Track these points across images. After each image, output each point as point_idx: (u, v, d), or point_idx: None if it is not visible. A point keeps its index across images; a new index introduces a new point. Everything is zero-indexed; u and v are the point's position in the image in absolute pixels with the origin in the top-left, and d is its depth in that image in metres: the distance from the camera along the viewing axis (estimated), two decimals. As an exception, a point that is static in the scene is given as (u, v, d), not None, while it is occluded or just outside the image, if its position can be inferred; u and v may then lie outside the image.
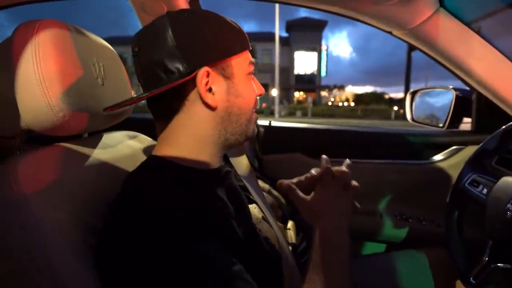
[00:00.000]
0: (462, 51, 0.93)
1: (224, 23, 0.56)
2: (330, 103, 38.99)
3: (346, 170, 0.65)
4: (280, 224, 0.76)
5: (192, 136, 0.56)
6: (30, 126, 0.55)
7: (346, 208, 0.61)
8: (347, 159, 0.68)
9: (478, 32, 0.91)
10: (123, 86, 0.74)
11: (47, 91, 0.51)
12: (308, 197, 0.62)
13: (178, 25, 0.52)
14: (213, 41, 0.53)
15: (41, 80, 0.51)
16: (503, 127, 0.79)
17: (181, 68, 0.51)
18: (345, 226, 0.58)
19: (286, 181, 0.67)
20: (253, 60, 0.60)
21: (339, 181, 0.63)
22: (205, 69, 0.52)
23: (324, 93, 39.31)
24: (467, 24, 0.89)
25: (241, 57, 0.57)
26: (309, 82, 35.44)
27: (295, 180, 0.70)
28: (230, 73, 0.56)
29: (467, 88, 1.10)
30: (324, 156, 0.68)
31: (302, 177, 0.70)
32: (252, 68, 0.59)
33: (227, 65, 0.55)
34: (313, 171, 0.68)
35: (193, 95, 0.54)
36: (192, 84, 0.53)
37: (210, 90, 0.54)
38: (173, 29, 0.52)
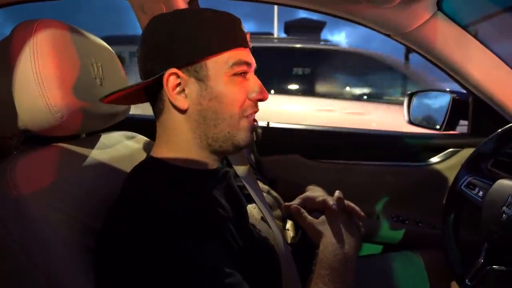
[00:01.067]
0: (459, 55, 0.94)
1: (207, 22, 0.53)
2: (327, 104, 39.00)
3: (356, 208, 0.65)
4: (279, 223, 0.77)
5: (177, 138, 0.56)
6: (28, 127, 0.54)
7: (352, 239, 0.60)
8: (338, 191, 0.67)
9: (475, 36, 0.91)
10: (121, 86, 0.74)
11: (45, 91, 0.51)
12: (315, 219, 0.64)
13: (155, 28, 0.54)
14: (184, 42, 0.51)
15: (39, 80, 0.51)
16: (499, 130, 0.80)
17: (152, 70, 0.52)
18: (350, 254, 0.58)
19: (292, 204, 0.69)
20: (244, 60, 0.54)
21: (347, 214, 0.65)
22: (171, 71, 0.51)
23: (321, 94, 39.39)
24: (465, 28, 0.90)
25: (219, 57, 0.52)
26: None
27: (296, 201, 0.71)
28: (204, 75, 0.52)
29: (464, 91, 1.11)
30: (337, 191, 0.67)
31: (305, 198, 0.71)
32: (242, 68, 0.54)
33: (200, 66, 0.52)
34: (319, 198, 0.68)
35: (167, 97, 0.54)
36: None
37: (183, 91, 0.53)
38: (152, 31, 0.54)
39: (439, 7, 0.86)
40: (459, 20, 0.89)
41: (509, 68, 0.92)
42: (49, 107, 0.52)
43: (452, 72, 0.99)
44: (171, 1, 0.90)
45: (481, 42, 0.91)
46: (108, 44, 0.75)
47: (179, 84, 0.52)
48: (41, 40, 0.52)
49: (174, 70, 0.52)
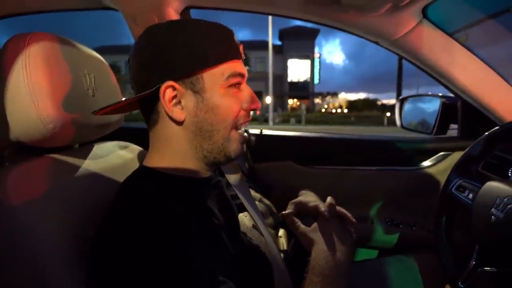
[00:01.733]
0: (445, 60, 0.96)
1: (203, 34, 0.53)
2: (323, 110, 39.22)
3: (348, 214, 0.66)
4: (272, 231, 0.77)
5: (172, 148, 0.56)
6: (20, 138, 0.55)
7: (344, 246, 0.61)
8: (330, 197, 0.67)
9: (460, 42, 0.94)
10: (114, 97, 0.75)
11: (37, 103, 0.52)
12: (307, 227, 0.64)
13: (151, 39, 0.53)
14: (181, 55, 0.52)
15: (31, 92, 0.51)
16: (486, 133, 0.81)
17: (148, 81, 0.52)
18: (342, 261, 0.58)
19: (286, 212, 0.69)
20: (238, 71, 0.55)
21: (339, 221, 0.65)
22: (168, 83, 0.52)
23: (317, 100, 39.63)
24: (450, 34, 0.93)
25: (215, 69, 0.53)
26: (303, 90, 35.71)
27: (290, 207, 0.70)
28: (201, 87, 0.53)
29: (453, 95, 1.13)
30: (329, 198, 0.67)
31: (298, 202, 0.70)
32: (236, 80, 0.55)
33: (196, 78, 0.53)
34: (311, 203, 0.68)
35: (162, 109, 0.54)
36: None
37: (180, 103, 0.53)
38: (146, 43, 0.53)
39: (425, 14, 0.89)
40: (445, 26, 0.91)
41: (494, 72, 0.94)
42: (40, 118, 0.52)
43: (439, 77, 1.02)
44: (163, 12, 0.92)
45: (466, 48, 0.93)
46: (104, 54, 0.76)
47: (175, 96, 0.53)
48: (33, 53, 0.53)
49: (170, 82, 0.52)
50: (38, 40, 0.54)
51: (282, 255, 0.71)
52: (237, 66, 0.55)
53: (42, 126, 0.53)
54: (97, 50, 0.76)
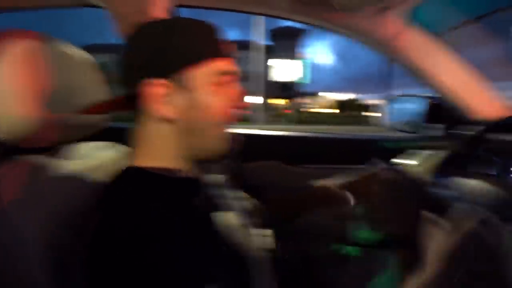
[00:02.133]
0: (431, 61, 0.98)
1: (191, 32, 0.53)
2: (312, 110, 39.48)
3: None
4: (259, 230, 0.77)
5: (160, 147, 0.56)
6: (3, 138, 0.54)
7: None
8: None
9: (446, 44, 0.96)
10: (100, 96, 0.74)
11: (20, 102, 0.51)
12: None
13: (138, 38, 0.54)
14: (168, 53, 0.52)
15: (14, 92, 0.50)
16: (469, 133, 0.83)
17: (136, 80, 0.52)
18: None
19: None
20: (227, 69, 0.55)
21: None
22: (156, 81, 0.51)
23: (307, 100, 39.86)
24: (436, 36, 0.95)
25: (203, 67, 0.53)
26: (292, 90, 35.90)
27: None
28: (189, 85, 0.53)
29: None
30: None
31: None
32: (225, 78, 0.55)
33: (186, 76, 0.53)
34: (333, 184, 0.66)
35: (150, 107, 0.54)
36: None
37: (168, 102, 0.53)
38: (133, 42, 0.54)
39: (411, 16, 0.91)
40: (430, 28, 0.93)
41: (477, 73, 0.97)
42: (24, 118, 0.51)
43: (424, 77, 1.04)
44: (150, 11, 0.91)
45: (452, 49, 0.96)
46: (93, 52, 0.75)
47: (163, 94, 0.52)
48: (16, 51, 0.52)
49: (159, 80, 0.52)
50: (21, 38, 0.53)
51: (268, 254, 0.71)
52: (227, 64, 0.56)
53: (26, 126, 0.52)
54: (85, 48, 0.75)
